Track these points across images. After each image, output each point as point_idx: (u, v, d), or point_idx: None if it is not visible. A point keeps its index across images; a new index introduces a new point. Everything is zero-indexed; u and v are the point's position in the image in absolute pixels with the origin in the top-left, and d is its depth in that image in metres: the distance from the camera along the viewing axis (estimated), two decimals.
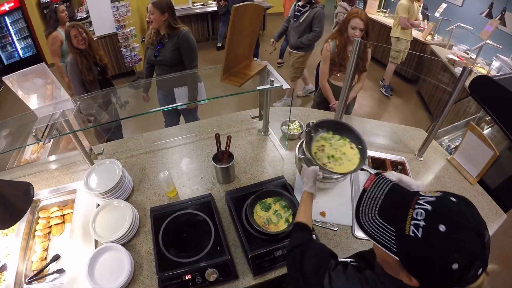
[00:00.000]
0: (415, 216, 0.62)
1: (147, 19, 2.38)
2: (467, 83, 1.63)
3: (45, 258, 1.66)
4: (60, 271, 1.56)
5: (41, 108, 1.54)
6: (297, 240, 1.00)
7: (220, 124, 2.14)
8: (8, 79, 1.39)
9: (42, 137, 1.48)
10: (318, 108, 2.43)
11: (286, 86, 1.54)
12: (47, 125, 1.53)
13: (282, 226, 1.38)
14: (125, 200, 1.62)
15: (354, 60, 1.62)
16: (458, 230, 0.59)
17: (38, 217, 1.79)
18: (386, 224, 0.66)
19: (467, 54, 4.60)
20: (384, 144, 1.97)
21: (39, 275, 1.57)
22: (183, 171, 1.83)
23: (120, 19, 5.04)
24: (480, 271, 0.60)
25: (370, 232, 0.68)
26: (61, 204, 1.84)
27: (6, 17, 5.72)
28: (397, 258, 0.64)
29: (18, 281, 1.51)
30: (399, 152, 1.92)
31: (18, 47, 6.12)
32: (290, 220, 1.40)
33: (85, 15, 5.68)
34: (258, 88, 1.63)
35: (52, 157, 2.14)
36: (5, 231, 1.80)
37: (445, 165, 1.86)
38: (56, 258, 1.62)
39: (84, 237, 1.58)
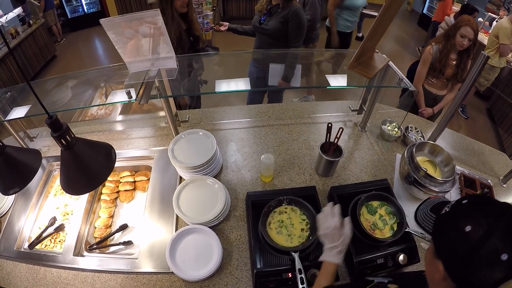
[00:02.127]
0: (453, 203, 0.70)
1: None
2: None
3: (110, 226, 1.53)
4: (128, 243, 1.42)
5: (137, 62, 1.37)
6: None
7: (316, 110, 1.95)
8: (107, 21, 1.19)
9: (137, 97, 1.32)
10: (405, 110, 2.23)
11: (412, 88, 1.46)
12: (142, 82, 1.37)
13: (387, 233, 1.26)
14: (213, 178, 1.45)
15: (476, 74, 1.39)
16: (479, 205, 0.63)
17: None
18: (431, 214, 0.85)
19: None
20: (473, 163, 1.83)
21: (102, 243, 1.44)
22: (277, 155, 1.66)
23: None
24: (505, 256, 0.55)
25: (420, 221, 0.89)
26: (132, 169, 1.70)
27: None
28: (430, 237, 0.71)
29: (78, 245, 1.39)
30: (486, 174, 1.78)
31: (83, 2, 6.20)
32: (395, 228, 1.27)
33: None
34: (384, 85, 1.46)
35: (122, 117, 1.99)
36: None
37: None
38: (123, 227, 1.49)
39: (161, 211, 1.43)
